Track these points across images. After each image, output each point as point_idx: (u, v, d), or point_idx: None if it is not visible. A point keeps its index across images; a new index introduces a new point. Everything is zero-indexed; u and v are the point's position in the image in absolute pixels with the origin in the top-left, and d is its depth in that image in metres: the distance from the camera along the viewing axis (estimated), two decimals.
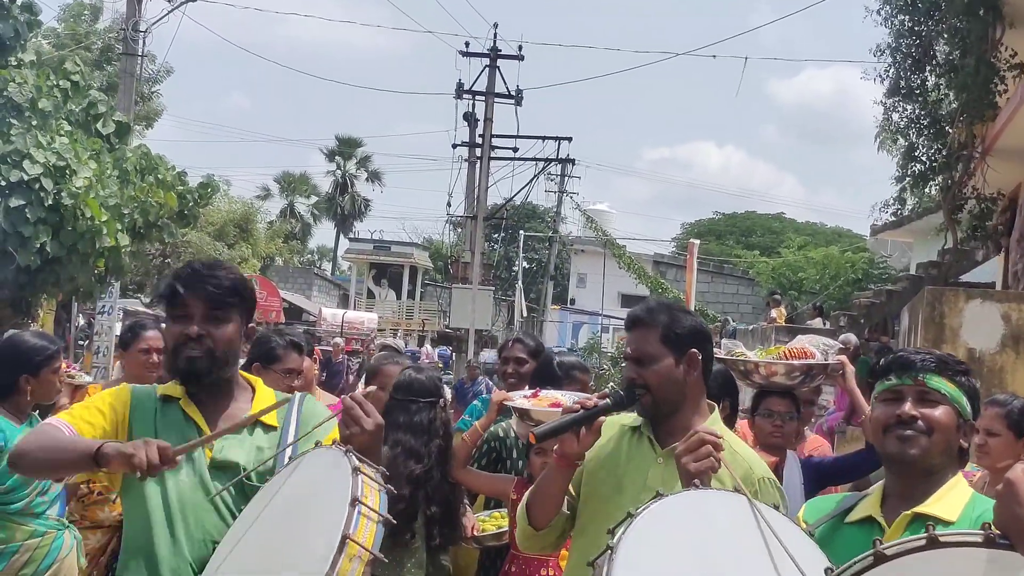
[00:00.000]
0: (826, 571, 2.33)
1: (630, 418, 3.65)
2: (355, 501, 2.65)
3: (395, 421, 4.94)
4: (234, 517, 3.14)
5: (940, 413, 2.79)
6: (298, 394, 3.56)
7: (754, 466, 3.47)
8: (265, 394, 3.47)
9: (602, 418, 3.40)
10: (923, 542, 2.21)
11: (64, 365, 6.15)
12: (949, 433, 2.79)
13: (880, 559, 2.23)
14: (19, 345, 5.17)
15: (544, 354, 5.93)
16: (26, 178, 11.47)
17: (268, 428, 3.34)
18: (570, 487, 3.59)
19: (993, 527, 2.21)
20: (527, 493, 3.70)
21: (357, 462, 2.77)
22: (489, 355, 37.85)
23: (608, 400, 3.40)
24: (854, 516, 2.90)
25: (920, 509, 2.71)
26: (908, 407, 2.80)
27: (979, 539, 2.21)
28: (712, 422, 3.54)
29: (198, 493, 3.20)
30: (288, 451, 3.22)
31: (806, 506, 3.13)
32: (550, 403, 4.50)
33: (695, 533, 2.70)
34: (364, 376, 6.32)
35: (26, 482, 4.91)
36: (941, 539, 2.21)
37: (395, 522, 2.83)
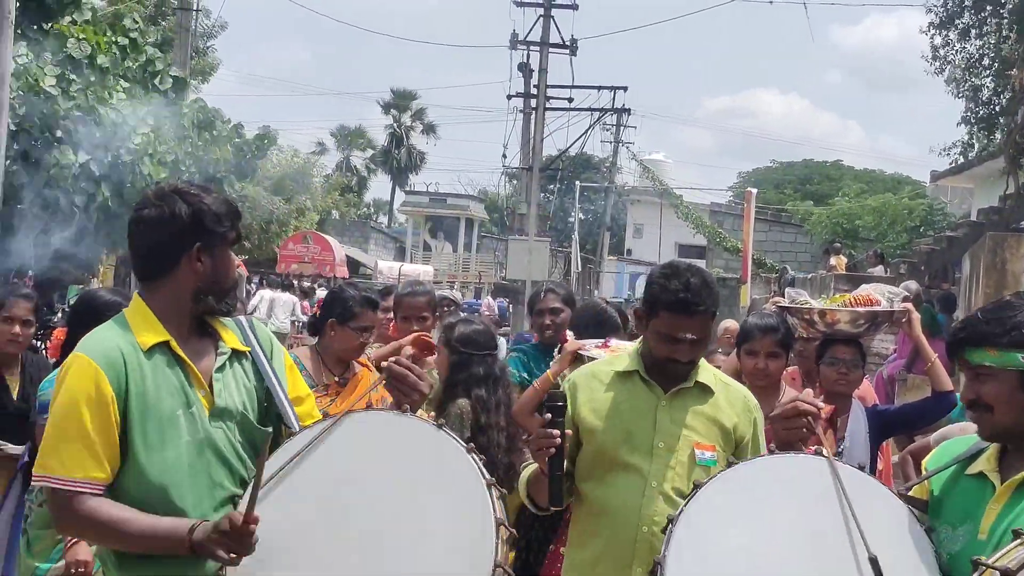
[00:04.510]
0: (972, 563, 2.33)
1: (622, 363, 3.62)
2: (490, 484, 2.79)
3: (469, 375, 5.09)
4: (242, 462, 3.01)
5: (992, 387, 2.69)
6: (242, 317, 3.27)
7: (748, 395, 3.64)
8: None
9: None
10: None
11: None
12: (1012, 398, 2.67)
13: None
14: (93, 301, 5.04)
15: (591, 303, 6.06)
16: (99, 136, 11.54)
17: (242, 355, 3.14)
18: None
19: None
20: (525, 479, 3.60)
21: (487, 473, 2.84)
22: None
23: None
24: (973, 469, 2.80)
25: None
26: (966, 390, 2.76)
27: None
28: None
29: (205, 451, 2.95)
30: (277, 386, 3.11)
31: (938, 449, 3.08)
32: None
33: (766, 500, 2.70)
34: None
35: None
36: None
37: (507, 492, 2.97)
